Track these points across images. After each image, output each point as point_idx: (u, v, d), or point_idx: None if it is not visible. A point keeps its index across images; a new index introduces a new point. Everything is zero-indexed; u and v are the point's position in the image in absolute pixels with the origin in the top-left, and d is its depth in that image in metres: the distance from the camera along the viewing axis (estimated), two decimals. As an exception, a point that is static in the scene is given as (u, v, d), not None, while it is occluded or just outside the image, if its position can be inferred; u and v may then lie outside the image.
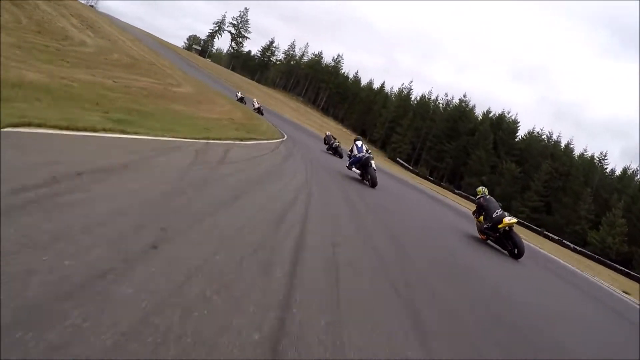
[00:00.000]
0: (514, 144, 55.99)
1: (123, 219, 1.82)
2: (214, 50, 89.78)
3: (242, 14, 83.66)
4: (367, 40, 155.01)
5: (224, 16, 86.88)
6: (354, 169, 8.73)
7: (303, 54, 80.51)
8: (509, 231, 6.33)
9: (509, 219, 6.27)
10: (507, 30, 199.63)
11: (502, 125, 57.63)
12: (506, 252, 6.47)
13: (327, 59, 78.54)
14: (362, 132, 62.76)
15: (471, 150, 54.38)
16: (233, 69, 74.37)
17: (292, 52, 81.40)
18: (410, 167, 53.23)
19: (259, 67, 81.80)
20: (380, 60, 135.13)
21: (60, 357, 0.89)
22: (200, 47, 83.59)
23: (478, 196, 7.40)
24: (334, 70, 75.59)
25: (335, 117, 70.54)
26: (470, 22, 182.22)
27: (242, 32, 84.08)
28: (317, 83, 74.62)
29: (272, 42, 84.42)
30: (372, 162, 8.45)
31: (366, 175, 8.45)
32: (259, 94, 41.40)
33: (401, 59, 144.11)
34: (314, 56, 78.99)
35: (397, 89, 71.56)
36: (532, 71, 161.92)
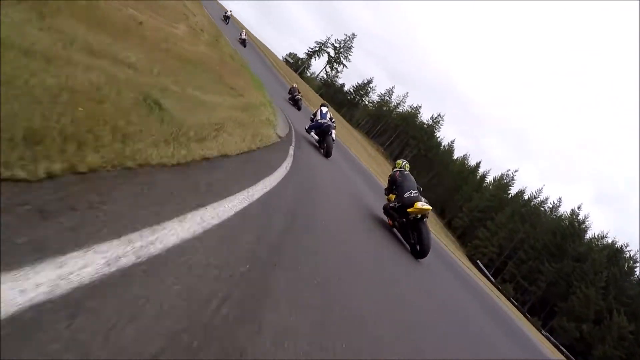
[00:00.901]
0: (627, 287, 45.88)
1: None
2: (308, 74, 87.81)
3: (348, 38, 79.06)
4: (465, 116, 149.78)
5: (328, 38, 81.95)
6: (312, 133, 9.12)
7: (399, 104, 79.06)
8: (418, 220, 5.37)
9: (422, 204, 5.29)
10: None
11: (619, 261, 48.03)
12: (408, 245, 5.68)
13: (425, 115, 75.80)
14: (442, 211, 57.76)
15: (576, 283, 45.91)
16: (321, 96, 73.42)
17: (387, 98, 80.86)
18: (491, 277, 46.58)
19: (347, 104, 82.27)
20: (473, 141, 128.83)
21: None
22: (291, 60, 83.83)
23: (395, 169, 6.76)
24: (429, 130, 72.42)
25: (415, 183, 66.22)
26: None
27: (342, 58, 79.98)
28: (405, 138, 72.54)
29: (369, 82, 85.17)
30: (333, 131, 8.77)
31: (323, 143, 8.76)
32: (339, 128, 37.77)
33: (494, 145, 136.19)
34: (410, 109, 77.11)
35: (496, 176, 65.34)
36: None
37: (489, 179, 67.51)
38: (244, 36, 21.87)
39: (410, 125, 72.87)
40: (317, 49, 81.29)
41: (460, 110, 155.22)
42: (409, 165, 6.79)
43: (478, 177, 67.10)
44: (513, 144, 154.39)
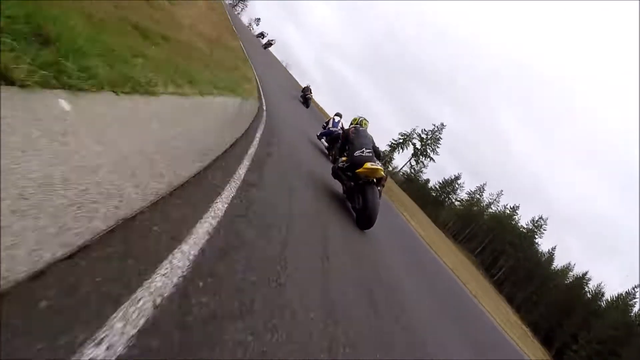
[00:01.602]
0: None
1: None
2: (390, 168, 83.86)
3: (436, 129, 75.08)
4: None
5: (414, 129, 77.82)
6: (323, 140, 10.47)
7: (491, 203, 78.13)
8: (367, 184, 4.87)
9: (372, 164, 4.81)
10: None
11: None
12: (354, 213, 5.17)
13: (524, 219, 72.57)
14: (547, 339, 52.53)
15: None
16: (404, 191, 65.59)
17: (478, 196, 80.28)
18: None
19: (433, 202, 78.43)
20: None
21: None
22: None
23: (351, 125, 6.59)
24: (529, 235, 69.20)
25: (511, 300, 59.44)
26: None
27: (428, 151, 75.86)
28: (501, 244, 69.09)
29: (457, 178, 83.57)
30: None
31: (331, 150, 9.70)
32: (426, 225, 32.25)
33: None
34: (506, 209, 75.27)
35: (615, 294, 58.18)
36: None
37: (607, 296, 59.80)
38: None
39: (506, 229, 69.92)
40: (400, 141, 78.21)
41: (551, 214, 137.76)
42: (368, 123, 6.52)
43: (589, 294, 60.00)
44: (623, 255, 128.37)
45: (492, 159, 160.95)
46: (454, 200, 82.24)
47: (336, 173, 5.52)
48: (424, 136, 75.57)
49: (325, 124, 11.68)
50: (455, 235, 73.77)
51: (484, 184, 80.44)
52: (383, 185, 5.11)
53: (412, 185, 75.40)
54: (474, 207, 78.40)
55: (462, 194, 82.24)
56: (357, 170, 4.84)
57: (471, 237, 73.84)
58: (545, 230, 70.52)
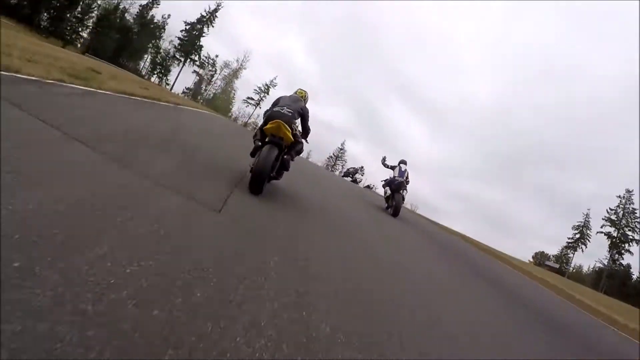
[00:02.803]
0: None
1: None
2: (571, 269, 64.29)
3: (623, 199, 53.80)
4: None
5: (587, 216, 58.36)
6: (387, 189, 9.78)
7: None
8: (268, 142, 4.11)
9: (279, 122, 3.97)
10: None
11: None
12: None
13: None
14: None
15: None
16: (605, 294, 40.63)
17: None
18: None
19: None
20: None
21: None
22: (557, 264, 62.31)
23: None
24: None
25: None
26: None
27: (628, 231, 52.59)
28: None
29: None
30: (404, 192, 9.24)
31: (392, 200, 9.21)
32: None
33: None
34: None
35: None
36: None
37: None
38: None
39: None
40: (577, 235, 58.82)
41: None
42: (305, 93, 5.10)
43: None
44: None
45: None
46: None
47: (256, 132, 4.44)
48: (614, 218, 53.75)
49: (386, 164, 10.16)
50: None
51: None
52: (292, 155, 4.25)
53: (613, 281, 51.08)
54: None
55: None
56: (264, 127, 3.99)
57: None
58: None
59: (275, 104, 4.49)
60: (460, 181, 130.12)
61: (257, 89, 64.73)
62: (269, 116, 4.12)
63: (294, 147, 4.24)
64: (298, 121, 4.47)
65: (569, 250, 59.59)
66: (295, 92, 5.01)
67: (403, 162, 9.77)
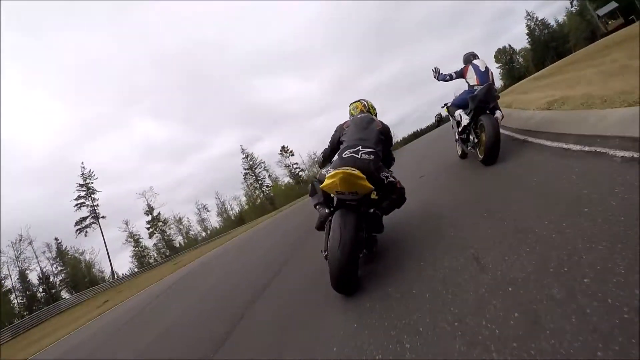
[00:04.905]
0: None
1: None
2: None
3: None
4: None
5: None
6: (457, 114, 4.77)
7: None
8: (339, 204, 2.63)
9: (343, 170, 2.46)
10: None
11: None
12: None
13: None
14: None
15: None
16: None
17: None
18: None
19: None
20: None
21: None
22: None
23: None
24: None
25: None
26: None
27: None
28: None
29: None
30: (496, 111, 4.47)
31: (475, 131, 4.49)
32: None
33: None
34: None
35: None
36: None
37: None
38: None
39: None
40: None
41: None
42: (374, 106, 3.69)
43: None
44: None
45: None
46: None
47: (313, 188, 2.94)
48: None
49: (449, 76, 5.28)
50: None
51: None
52: (385, 208, 2.75)
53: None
54: None
55: None
56: (321, 186, 2.58)
57: None
58: None
59: (337, 140, 3.09)
60: (366, 79, 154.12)
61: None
62: (333, 166, 2.67)
63: (386, 197, 2.77)
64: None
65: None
66: (354, 108, 3.58)
67: (473, 55, 5.07)
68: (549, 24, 72.80)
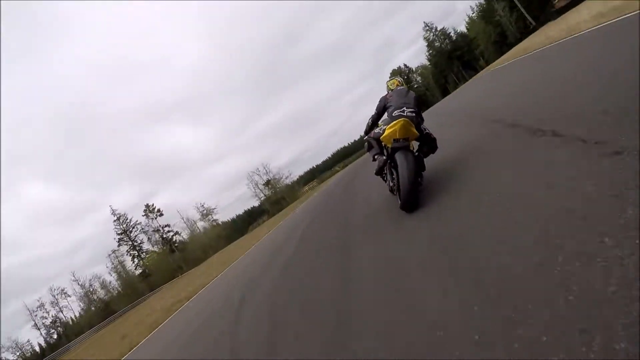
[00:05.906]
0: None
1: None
2: None
3: None
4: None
5: None
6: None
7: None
8: (396, 150, 3.37)
9: (398, 121, 3.24)
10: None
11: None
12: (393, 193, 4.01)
13: None
14: None
15: None
16: None
17: None
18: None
19: None
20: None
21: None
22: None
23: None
24: None
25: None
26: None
27: None
28: None
29: None
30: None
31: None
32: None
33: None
34: None
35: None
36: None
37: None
38: None
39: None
40: None
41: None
42: (404, 84, 4.35)
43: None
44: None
45: None
46: None
47: (370, 145, 3.84)
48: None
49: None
50: None
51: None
52: (424, 151, 3.68)
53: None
54: None
55: None
56: (380, 137, 3.41)
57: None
58: None
59: (383, 107, 4.08)
60: (259, 123, 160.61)
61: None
62: (385, 123, 3.76)
63: (426, 143, 3.83)
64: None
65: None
66: (392, 83, 4.41)
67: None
68: (449, 32, 67.58)
